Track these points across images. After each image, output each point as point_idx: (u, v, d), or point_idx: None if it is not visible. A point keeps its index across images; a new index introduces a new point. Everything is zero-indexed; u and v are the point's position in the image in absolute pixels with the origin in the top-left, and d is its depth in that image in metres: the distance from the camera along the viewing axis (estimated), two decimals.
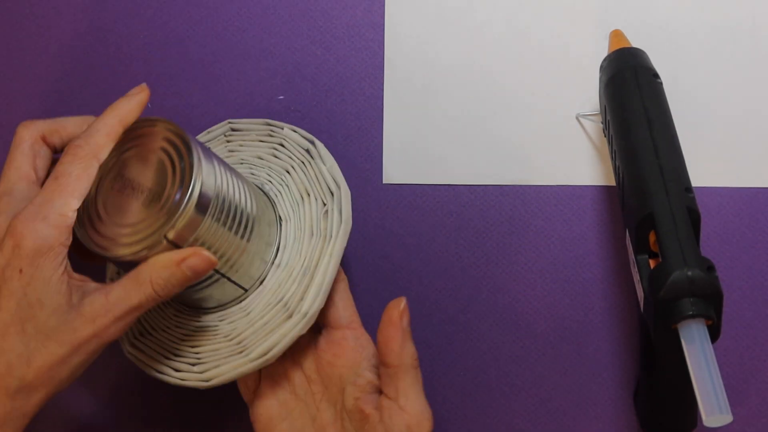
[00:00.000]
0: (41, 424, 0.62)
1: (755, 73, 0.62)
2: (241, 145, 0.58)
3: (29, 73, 0.65)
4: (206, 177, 0.49)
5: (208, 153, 0.50)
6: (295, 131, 0.57)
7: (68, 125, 0.52)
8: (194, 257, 0.48)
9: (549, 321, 0.61)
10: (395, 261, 0.62)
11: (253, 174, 0.57)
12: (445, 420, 0.61)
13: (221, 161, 0.52)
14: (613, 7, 0.62)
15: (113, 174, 0.50)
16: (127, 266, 0.49)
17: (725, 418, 0.44)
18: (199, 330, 0.54)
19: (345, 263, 0.62)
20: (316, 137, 0.62)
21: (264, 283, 0.54)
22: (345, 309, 0.54)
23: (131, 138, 0.50)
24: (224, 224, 0.50)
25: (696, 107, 0.61)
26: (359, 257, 0.62)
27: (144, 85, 0.51)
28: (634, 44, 0.58)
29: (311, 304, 0.52)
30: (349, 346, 0.54)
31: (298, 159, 0.56)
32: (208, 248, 0.49)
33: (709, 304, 0.47)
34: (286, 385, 0.55)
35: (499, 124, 0.62)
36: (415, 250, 0.62)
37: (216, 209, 0.49)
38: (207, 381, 0.53)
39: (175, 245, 0.48)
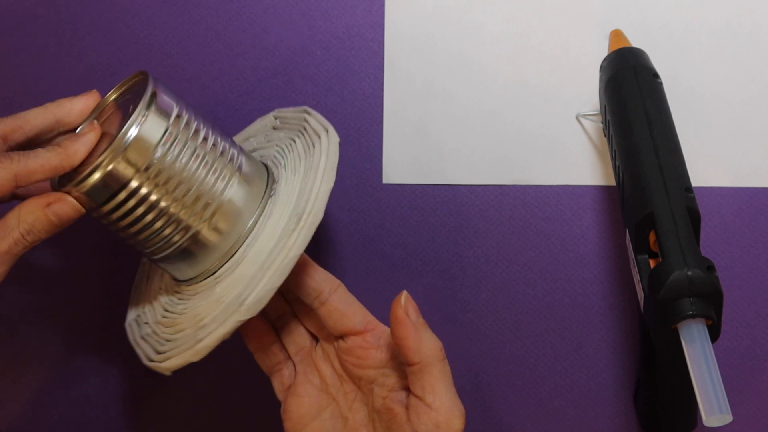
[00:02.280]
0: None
1: (755, 73, 0.62)
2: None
3: (24, 72, 0.65)
4: (153, 118, 0.48)
5: (172, 98, 0.50)
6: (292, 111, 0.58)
7: (31, 118, 0.51)
8: (60, 203, 0.48)
9: (549, 321, 0.61)
10: (395, 261, 0.62)
11: (262, 156, 0.57)
12: None
13: (199, 116, 0.51)
14: (613, 7, 0.62)
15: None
16: (93, 196, 0.49)
17: (725, 418, 0.44)
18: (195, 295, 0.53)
19: (345, 263, 0.62)
20: None
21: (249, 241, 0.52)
22: (355, 314, 0.52)
23: (120, 97, 0.52)
24: (184, 169, 0.50)
25: (696, 107, 0.61)
26: (359, 257, 0.62)
27: (95, 124, 0.50)
28: (634, 44, 0.58)
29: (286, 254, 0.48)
30: (371, 348, 0.52)
31: (298, 129, 0.56)
32: (166, 189, 0.49)
33: (709, 304, 0.47)
34: (319, 383, 0.54)
35: (499, 124, 0.62)
36: (415, 250, 0.62)
37: (166, 148, 0.49)
38: (201, 336, 0.50)
39: (118, 180, 0.48)
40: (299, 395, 0.54)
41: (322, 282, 0.52)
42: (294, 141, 0.56)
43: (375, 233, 0.62)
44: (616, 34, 0.59)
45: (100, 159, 0.48)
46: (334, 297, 0.52)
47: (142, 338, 0.53)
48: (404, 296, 0.50)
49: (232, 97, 0.64)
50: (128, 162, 0.48)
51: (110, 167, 0.48)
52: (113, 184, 0.48)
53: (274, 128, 0.59)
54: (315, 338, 0.56)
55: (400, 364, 0.52)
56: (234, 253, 0.52)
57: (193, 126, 0.50)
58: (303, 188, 0.51)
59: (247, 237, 0.52)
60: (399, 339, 0.50)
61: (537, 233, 0.62)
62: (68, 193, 0.49)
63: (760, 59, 0.62)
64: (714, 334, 0.47)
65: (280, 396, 0.55)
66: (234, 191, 0.51)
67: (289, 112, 0.59)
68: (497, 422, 0.61)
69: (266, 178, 0.54)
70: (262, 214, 0.52)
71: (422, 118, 0.63)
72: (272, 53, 0.64)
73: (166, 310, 0.53)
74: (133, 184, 0.49)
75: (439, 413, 0.49)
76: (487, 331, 0.62)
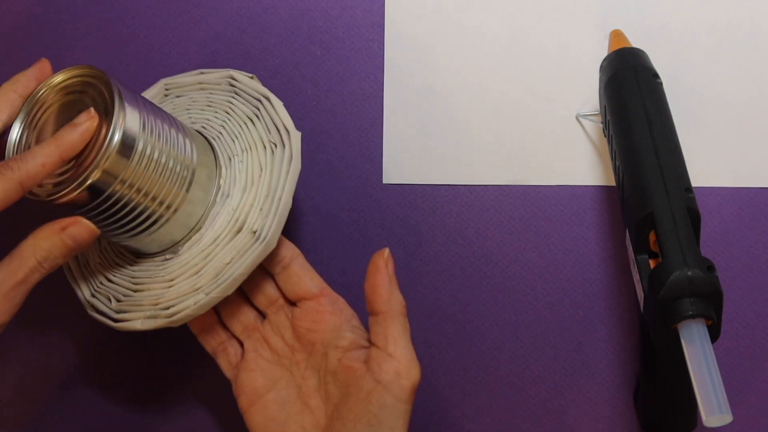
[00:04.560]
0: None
1: (755, 73, 0.62)
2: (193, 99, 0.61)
3: None
4: (130, 121, 0.50)
5: (135, 99, 0.52)
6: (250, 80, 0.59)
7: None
8: (75, 226, 0.49)
9: (549, 321, 0.61)
10: (395, 261, 0.62)
11: (204, 127, 0.59)
12: (446, 419, 0.61)
13: (154, 109, 0.53)
14: (613, 7, 0.62)
15: (52, 122, 0.51)
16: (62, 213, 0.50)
17: (725, 418, 0.44)
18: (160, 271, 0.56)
19: (345, 263, 0.62)
20: (316, 137, 0.63)
21: (206, 225, 0.55)
22: (312, 279, 0.56)
23: (69, 87, 0.52)
24: (155, 170, 0.52)
25: (696, 107, 0.61)
26: (359, 257, 0.62)
27: (92, 113, 0.50)
28: (634, 44, 0.58)
29: (270, 227, 0.53)
30: (326, 311, 0.55)
31: (252, 110, 0.58)
32: (137, 191, 0.51)
33: (709, 304, 0.47)
34: (270, 356, 0.56)
35: (499, 124, 0.62)
36: (415, 250, 0.62)
37: (143, 154, 0.50)
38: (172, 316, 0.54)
39: (97, 189, 0.49)
40: (251, 369, 0.56)
41: (286, 249, 0.56)
42: (252, 120, 0.58)
43: (375, 233, 0.62)
44: (616, 34, 0.59)
45: (95, 160, 0.49)
46: (294, 263, 0.56)
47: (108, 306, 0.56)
48: (387, 252, 0.53)
49: None
50: (120, 157, 0.50)
51: (106, 166, 0.49)
52: (108, 181, 0.50)
53: (231, 107, 0.60)
54: (261, 316, 0.58)
55: (354, 328, 0.55)
56: (198, 230, 0.55)
57: (158, 132, 0.52)
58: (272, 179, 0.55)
59: (207, 217, 0.55)
60: (372, 286, 0.53)
61: (537, 233, 0.62)
62: (65, 194, 0.49)
63: (760, 59, 0.62)
64: (714, 334, 0.47)
65: (229, 374, 0.57)
66: (194, 184, 0.54)
67: (241, 76, 0.60)
68: (497, 422, 0.61)
69: (212, 155, 0.57)
70: (219, 193, 0.55)
71: (422, 118, 0.63)
72: (272, 53, 0.64)
73: (136, 284, 0.56)
74: (126, 176, 0.50)
75: (399, 362, 0.51)
76: (487, 331, 0.62)
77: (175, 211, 0.53)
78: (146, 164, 0.51)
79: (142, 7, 0.65)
